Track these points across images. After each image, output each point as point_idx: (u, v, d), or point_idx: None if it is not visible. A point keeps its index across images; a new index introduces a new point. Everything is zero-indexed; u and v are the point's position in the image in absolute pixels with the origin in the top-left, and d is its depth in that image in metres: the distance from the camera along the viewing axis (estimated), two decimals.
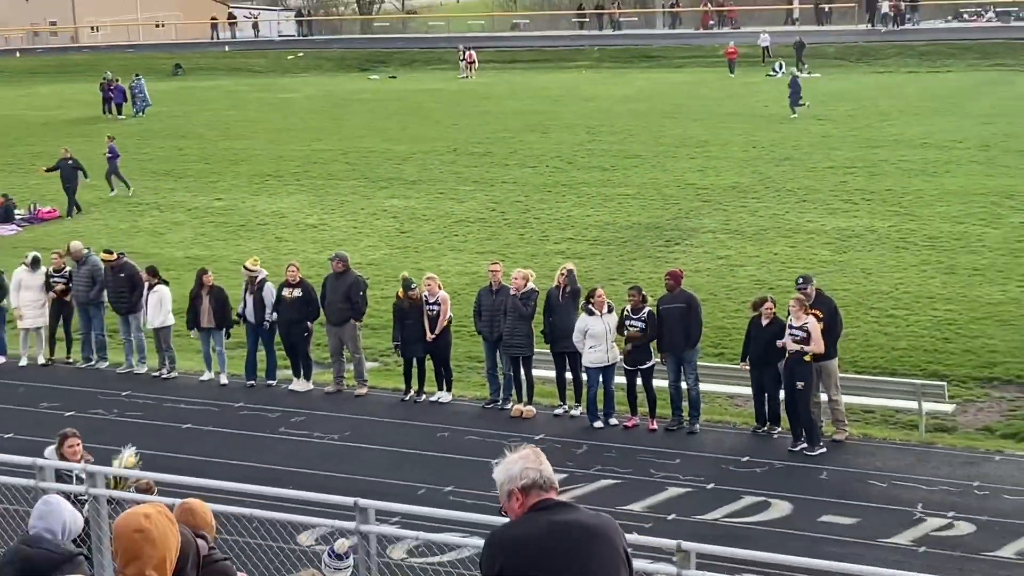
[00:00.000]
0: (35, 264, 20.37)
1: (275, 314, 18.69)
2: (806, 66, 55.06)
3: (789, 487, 14.69)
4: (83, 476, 8.17)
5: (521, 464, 5.01)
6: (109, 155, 33.97)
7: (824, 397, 16.09)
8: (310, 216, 30.86)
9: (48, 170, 32.68)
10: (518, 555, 4.90)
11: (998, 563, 12.64)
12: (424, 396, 18.20)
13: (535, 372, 17.78)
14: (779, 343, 15.68)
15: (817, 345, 15.52)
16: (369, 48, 74.06)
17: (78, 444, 11.15)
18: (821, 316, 15.89)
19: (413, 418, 17.53)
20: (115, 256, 20.02)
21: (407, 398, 18.22)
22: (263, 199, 33.17)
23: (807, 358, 15.57)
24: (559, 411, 17.45)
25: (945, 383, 17.09)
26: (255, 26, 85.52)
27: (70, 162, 31.93)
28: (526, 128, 43.23)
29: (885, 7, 67.79)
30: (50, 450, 11.26)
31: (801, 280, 16.55)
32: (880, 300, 22.16)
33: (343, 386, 18.68)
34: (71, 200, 32.03)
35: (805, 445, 15.72)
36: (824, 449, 15.70)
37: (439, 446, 16.40)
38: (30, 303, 20.24)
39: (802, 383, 15.61)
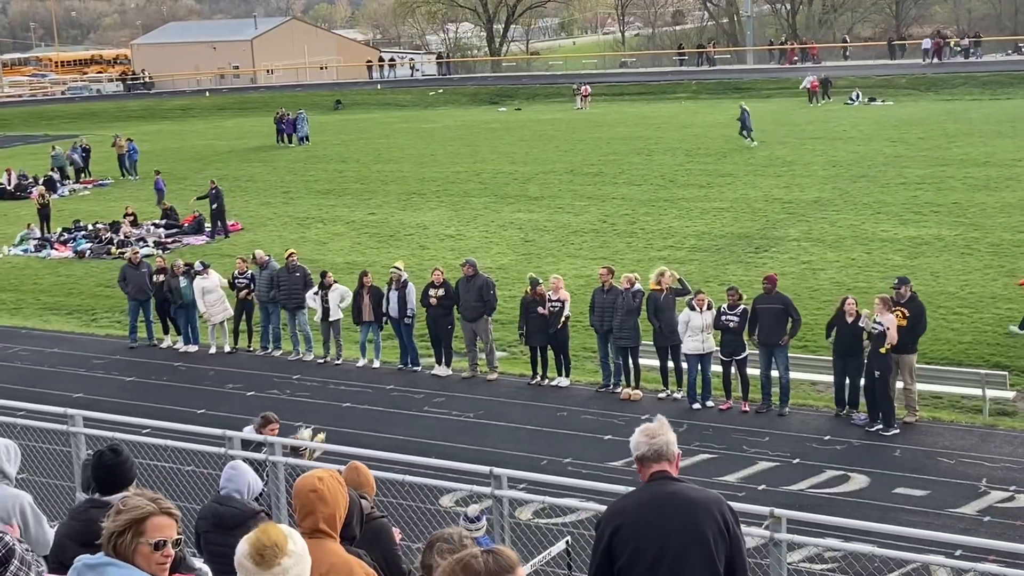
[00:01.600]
0: (205, 268, 20.91)
1: (412, 310, 18.95)
2: (829, 99, 54.88)
3: (866, 462, 14.34)
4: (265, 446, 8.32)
5: (637, 437, 4.94)
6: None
7: (900, 384, 15.68)
8: (448, 227, 31.10)
9: (198, 199, 32.66)
10: (623, 522, 4.85)
11: None
12: (546, 381, 18.20)
13: (641, 361, 17.67)
14: (862, 321, 15.35)
15: (891, 340, 15.14)
16: (498, 85, 74.38)
17: (277, 428, 10.58)
18: (907, 315, 15.53)
19: (536, 399, 17.54)
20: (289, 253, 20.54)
21: (532, 382, 18.25)
22: (409, 213, 33.48)
23: (883, 350, 15.21)
24: (662, 395, 17.31)
25: (1007, 373, 16.54)
26: (412, 67, 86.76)
27: (213, 191, 31.49)
28: (632, 151, 42.94)
29: (927, 43, 67.03)
30: (248, 428, 10.65)
31: (898, 281, 16.25)
32: (948, 300, 21.49)
33: (477, 372, 18.79)
34: (223, 224, 31.60)
35: (881, 426, 15.35)
36: (897, 430, 15.31)
37: (559, 423, 16.38)
38: (214, 302, 20.75)
39: (879, 372, 15.27)
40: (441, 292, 18.72)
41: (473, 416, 16.85)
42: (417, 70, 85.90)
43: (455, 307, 18.76)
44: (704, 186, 34.70)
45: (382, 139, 52.20)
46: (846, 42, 77.28)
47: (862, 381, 15.71)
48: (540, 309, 17.90)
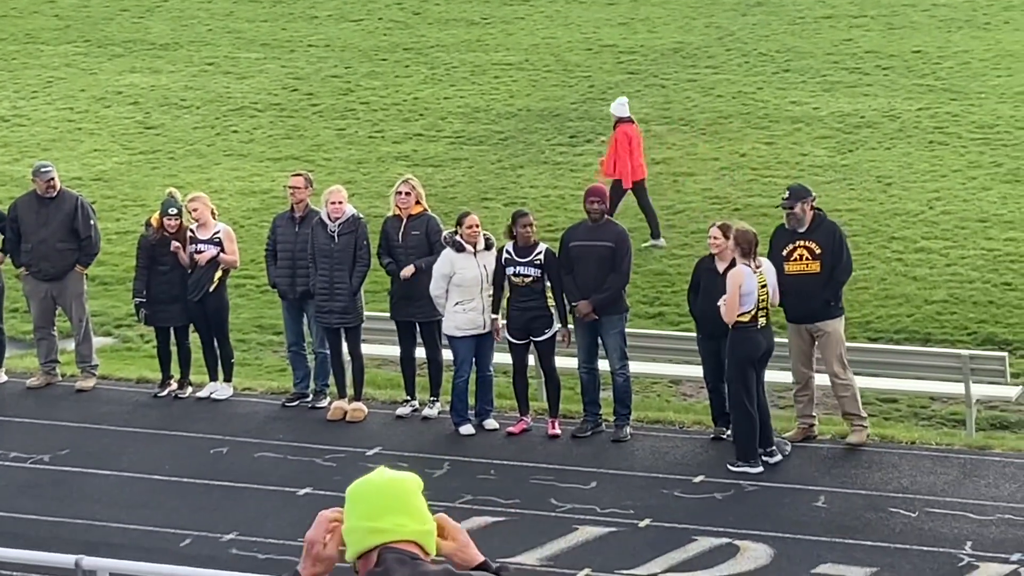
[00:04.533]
0: None
1: None
2: None
3: (767, 522, 14.91)
4: None
5: None
6: None
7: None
8: None
9: None
10: None
11: None
12: (189, 390, 18.15)
13: (366, 349, 17.86)
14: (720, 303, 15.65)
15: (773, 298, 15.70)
16: None
17: None
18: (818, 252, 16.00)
19: (171, 425, 17.44)
20: None
21: (162, 393, 18.16)
22: None
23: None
24: (404, 410, 17.53)
25: (1007, 354, 17.40)
26: None
27: None
28: None
29: None
30: None
31: (788, 194, 16.53)
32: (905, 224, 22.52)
33: (56, 376, 18.57)
34: None
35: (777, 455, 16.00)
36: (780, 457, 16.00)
37: (213, 469, 16.35)
38: None
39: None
40: None
41: (49, 460, 16.61)
42: None
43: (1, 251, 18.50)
44: (478, 22, 35.16)
45: None
46: None
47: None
48: (181, 253, 17.73)
